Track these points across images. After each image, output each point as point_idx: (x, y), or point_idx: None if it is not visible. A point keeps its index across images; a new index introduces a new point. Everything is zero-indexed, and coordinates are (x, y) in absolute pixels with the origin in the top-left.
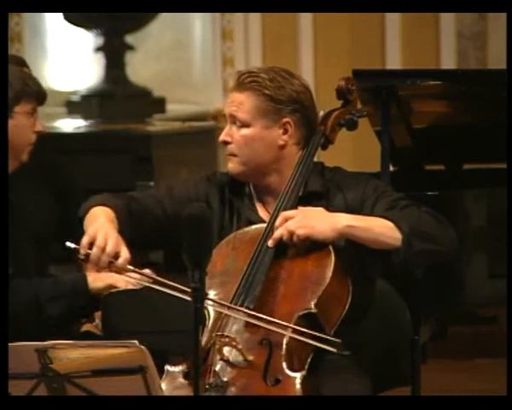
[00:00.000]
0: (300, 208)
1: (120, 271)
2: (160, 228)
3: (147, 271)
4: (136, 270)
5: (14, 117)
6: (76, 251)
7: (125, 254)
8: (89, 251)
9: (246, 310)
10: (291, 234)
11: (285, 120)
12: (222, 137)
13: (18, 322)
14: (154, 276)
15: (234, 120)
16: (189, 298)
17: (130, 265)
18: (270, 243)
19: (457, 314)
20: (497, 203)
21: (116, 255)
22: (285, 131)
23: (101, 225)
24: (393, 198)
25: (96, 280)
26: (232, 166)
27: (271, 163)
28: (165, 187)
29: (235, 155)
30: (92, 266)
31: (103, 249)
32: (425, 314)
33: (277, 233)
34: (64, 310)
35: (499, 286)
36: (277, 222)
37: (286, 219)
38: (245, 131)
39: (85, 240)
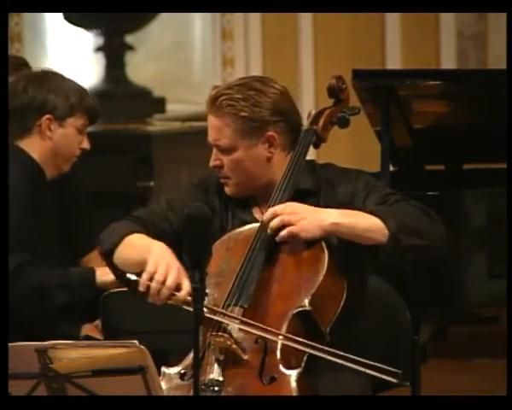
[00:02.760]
0: (288, 203)
1: (181, 303)
2: (168, 242)
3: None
4: (208, 306)
5: (66, 127)
6: (136, 283)
7: (186, 286)
8: (148, 283)
9: (239, 317)
10: (284, 224)
11: (268, 134)
12: (212, 163)
13: (21, 308)
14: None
15: (218, 147)
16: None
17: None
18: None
19: (457, 314)
20: (497, 203)
21: (177, 287)
22: (270, 144)
23: (161, 257)
24: (383, 193)
25: (104, 275)
26: (229, 189)
27: (263, 176)
28: (165, 201)
29: (229, 178)
30: (151, 299)
31: (163, 283)
32: (425, 314)
33: (274, 222)
34: (69, 300)
35: (499, 286)
36: (265, 217)
37: (275, 214)
38: (231, 155)
39: (145, 277)
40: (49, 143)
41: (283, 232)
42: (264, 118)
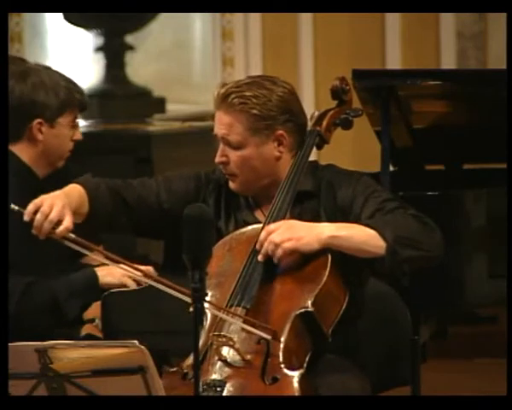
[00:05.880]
0: (283, 221)
1: (62, 239)
2: (153, 219)
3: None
4: (79, 239)
5: (56, 127)
6: (20, 214)
7: (67, 222)
8: (33, 216)
9: (242, 316)
10: (277, 247)
11: (278, 132)
12: (218, 158)
13: (35, 323)
14: (103, 251)
15: (226, 142)
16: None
17: (72, 234)
18: (259, 258)
19: (457, 314)
20: (497, 203)
21: (59, 223)
22: (280, 143)
23: (50, 196)
24: (381, 200)
25: (106, 276)
26: (234, 185)
27: (270, 175)
28: (164, 180)
29: (235, 175)
30: (35, 231)
31: (46, 216)
32: (425, 314)
33: (264, 249)
34: (80, 309)
35: (499, 286)
36: (261, 236)
37: (269, 233)
38: (240, 152)
39: (31, 206)
40: (40, 146)
41: (279, 252)
42: (275, 116)
